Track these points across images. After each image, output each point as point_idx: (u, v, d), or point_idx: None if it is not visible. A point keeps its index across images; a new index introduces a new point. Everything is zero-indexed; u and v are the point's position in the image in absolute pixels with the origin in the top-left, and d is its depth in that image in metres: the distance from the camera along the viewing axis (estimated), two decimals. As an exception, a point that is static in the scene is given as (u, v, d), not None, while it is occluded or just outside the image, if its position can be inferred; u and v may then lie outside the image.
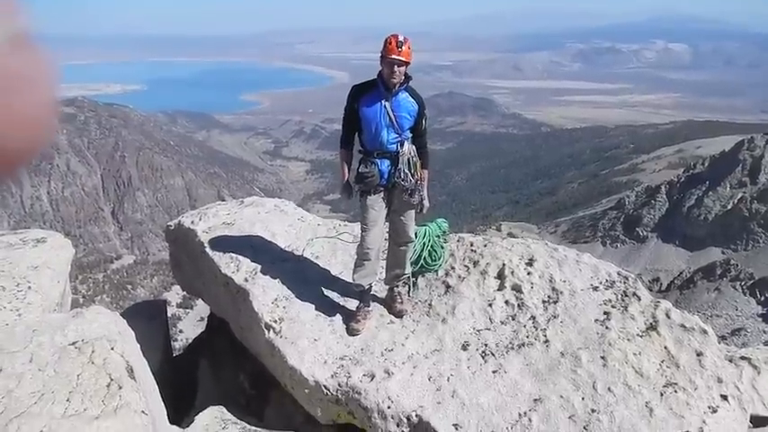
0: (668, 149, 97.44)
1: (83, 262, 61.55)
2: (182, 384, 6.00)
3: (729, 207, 58.05)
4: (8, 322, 3.86)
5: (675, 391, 3.90)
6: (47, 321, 3.73)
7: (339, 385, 4.16)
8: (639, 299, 4.70)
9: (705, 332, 4.36)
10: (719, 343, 4.54)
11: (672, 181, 67.49)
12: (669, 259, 58.24)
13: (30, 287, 4.44)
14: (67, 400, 2.95)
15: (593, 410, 3.79)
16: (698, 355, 4.18)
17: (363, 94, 4.24)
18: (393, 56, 3.99)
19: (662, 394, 3.89)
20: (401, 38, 4.01)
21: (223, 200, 7.72)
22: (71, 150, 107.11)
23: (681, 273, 42.42)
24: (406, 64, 4.06)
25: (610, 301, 4.71)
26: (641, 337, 4.33)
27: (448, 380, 4.09)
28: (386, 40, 4.04)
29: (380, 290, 4.93)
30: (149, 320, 6.41)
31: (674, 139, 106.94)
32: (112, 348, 3.44)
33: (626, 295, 4.75)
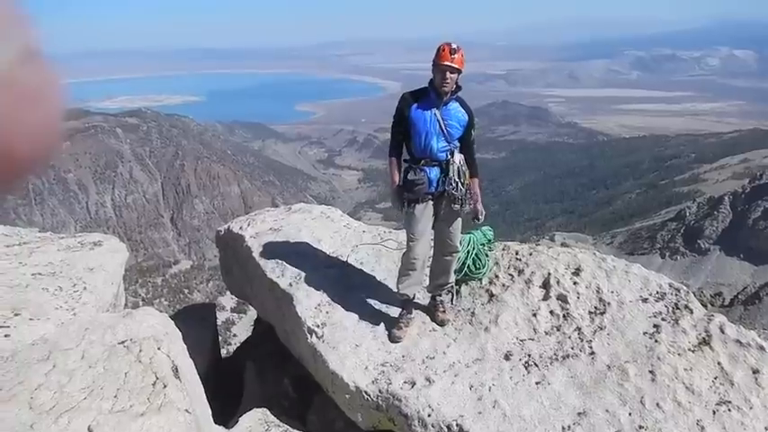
0: (732, 159, 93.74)
1: (143, 266, 63.76)
2: (228, 386, 6.13)
3: (799, 220, 55.25)
4: (63, 321, 4.05)
5: (729, 410, 3.72)
6: (98, 321, 3.88)
7: (380, 391, 4.15)
8: (692, 312, 4.51)
9: (763, 349, 4.14)
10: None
11: (736, 191, 64.79)
12: (732, 273, 55.81)
13: (85, 288, 4.63)
14: (115, 397, 3.06)
15: (640, 427, 3.65)
16: (754, 372, 3.98)
17: (414, 101, 4.22)
18: (446, 62, 3.98)
19: (714, 412, 3.72)
20: (454, 45, 4.00)
21: (277, 207, 7.87)
22: (134, 159, 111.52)
23: (745, 287, 40.43)
24: (459, 71, 4.04)
25: (660, 313, 4.54)
26: (693, 351, 4.15)
27: (489, 390, 4.03)
28: (439, 47, 4.04)
29: (423, 297, 4.90)
30: (199, 323, 6.59)
31: (738, 148, 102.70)
32: (159, 348, 3.55)
33: (677, 308, 4.56)
